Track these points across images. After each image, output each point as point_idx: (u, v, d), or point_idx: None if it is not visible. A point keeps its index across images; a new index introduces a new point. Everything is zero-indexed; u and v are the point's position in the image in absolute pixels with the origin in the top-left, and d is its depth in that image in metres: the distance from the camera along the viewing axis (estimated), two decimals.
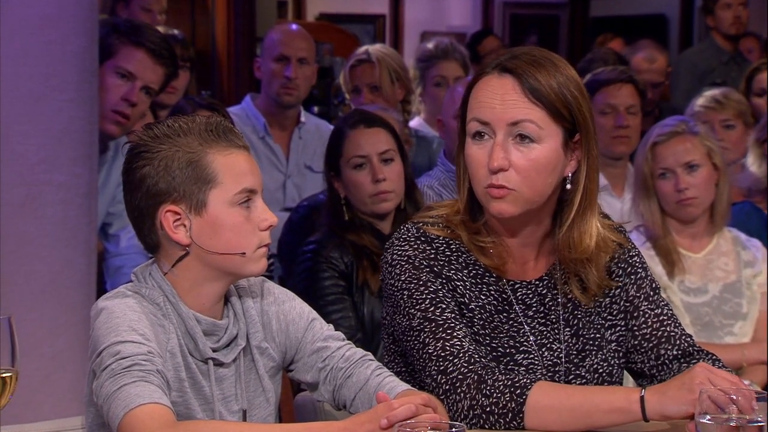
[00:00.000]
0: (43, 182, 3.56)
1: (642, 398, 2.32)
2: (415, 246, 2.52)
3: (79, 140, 3.61)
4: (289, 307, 2.49)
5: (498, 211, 2.47)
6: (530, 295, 2.56)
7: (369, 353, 2.49)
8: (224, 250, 2.33)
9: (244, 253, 2.33)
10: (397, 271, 2.50)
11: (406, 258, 2.51)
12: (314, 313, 2.51)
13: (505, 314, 2.53)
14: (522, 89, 2.46)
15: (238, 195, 2.33)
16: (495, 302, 2.53)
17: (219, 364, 2.39)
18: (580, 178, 2.51)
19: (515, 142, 2.46)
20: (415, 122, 5.78)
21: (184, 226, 2.33)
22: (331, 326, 2.52)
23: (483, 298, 2.52)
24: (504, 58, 2.51)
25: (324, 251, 3.80)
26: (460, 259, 2.53)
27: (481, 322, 2.51)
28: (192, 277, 2.36)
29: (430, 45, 5.85)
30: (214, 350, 2.38)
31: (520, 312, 2.55)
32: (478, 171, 2.48)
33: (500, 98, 2.47)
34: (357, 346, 2.50)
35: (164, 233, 2.34)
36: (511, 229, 2.54)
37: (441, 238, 2.54)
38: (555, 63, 2.50)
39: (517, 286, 2.56)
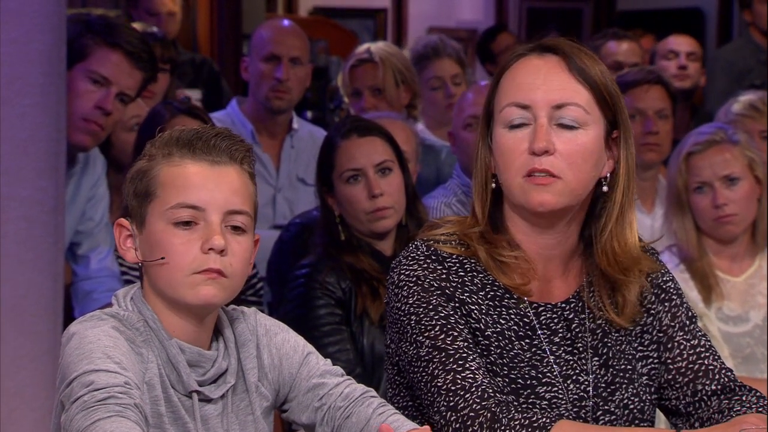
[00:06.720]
0: (5, 197, 3.57)
1: None
2: (425, 265, 2.51)
3: (45, 150, 3.62)
4: (282, 340, 2.50)
5: (540, 202, 2.46)
6: (555, 320, 2.56)
7: (371, 389, 2.49)
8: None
9: (163, 258, 2.33)
10: (405, 294, 2.50)
11: (414, 279, 2.50)
12: (309, 347, 2.52)
13: (527, 341, 2.53)
14: (568, 68, 2.49)
15: (172, 210, 2.34)
16: (515, 327, 2.53)
17: (205, 399, 2.39)
18: (618, 178, 2.53)
19: (558, 126, 2.47)
20: (417, 129, 5.79)
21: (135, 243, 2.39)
22: (329, 361, 2.53)
23: (502, 322, 2.52)
24: (542, 40, 2.55)
25: (318, 276, 3.78)
26: (476, 280, 2.52)
27: (499, 350, 2.49)
28: (158, 305, 2.38)
29: (419, 46, 5.89)
30: (200, 383, 2.38)
31: (544, 338, 2.54)
32: (515, 159, 2.47)
33: (543, 78, 2.48)
34: (357, 382, 2.51)
35: None
36: (539, 228, 2.53)
37: (454, 256, 2.53)
38: (591, 53, 2.55)
39: (540, 309, 2.56)
